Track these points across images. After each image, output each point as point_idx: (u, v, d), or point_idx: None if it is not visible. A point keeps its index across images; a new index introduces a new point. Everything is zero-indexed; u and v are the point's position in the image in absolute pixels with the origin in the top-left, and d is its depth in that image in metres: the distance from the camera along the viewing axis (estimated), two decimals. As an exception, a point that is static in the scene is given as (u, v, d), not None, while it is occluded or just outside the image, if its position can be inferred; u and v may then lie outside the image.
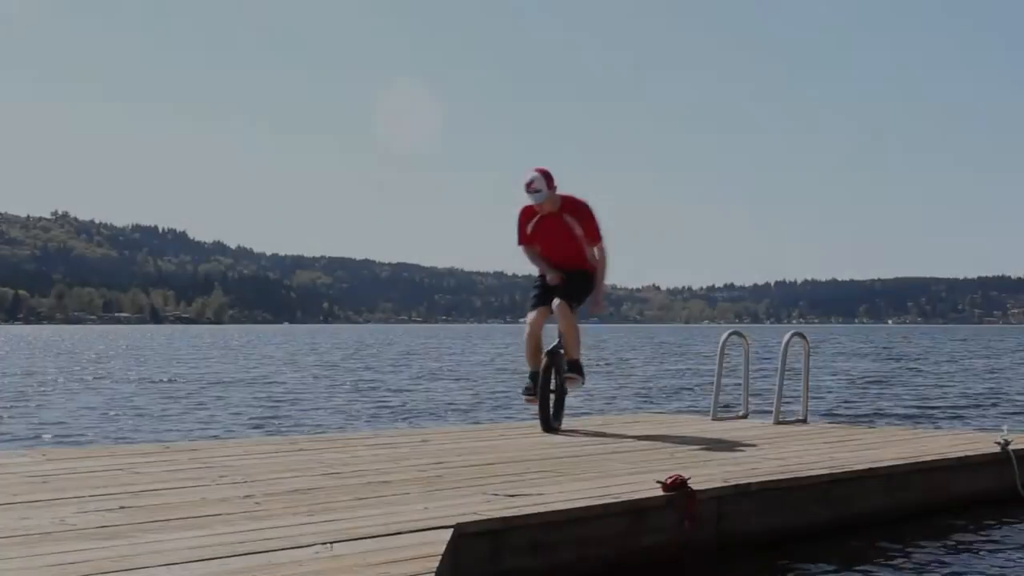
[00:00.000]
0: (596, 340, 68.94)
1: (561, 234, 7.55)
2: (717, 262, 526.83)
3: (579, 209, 7.56)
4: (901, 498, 6.15)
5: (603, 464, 5.91)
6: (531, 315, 7.59)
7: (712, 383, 9.81)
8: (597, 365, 30.38)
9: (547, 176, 7.42)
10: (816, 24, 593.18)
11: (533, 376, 7.57)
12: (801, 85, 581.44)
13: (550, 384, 7.49)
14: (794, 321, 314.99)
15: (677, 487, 4.91)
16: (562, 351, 7.52)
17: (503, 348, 50.95)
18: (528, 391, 7.63)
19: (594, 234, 7.61)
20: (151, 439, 11.10)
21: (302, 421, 13.73)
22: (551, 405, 7.53)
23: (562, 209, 7.52)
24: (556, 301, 7.47)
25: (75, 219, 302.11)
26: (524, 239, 7.69)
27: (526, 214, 7.63)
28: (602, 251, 7.66)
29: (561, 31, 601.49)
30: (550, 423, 7.50)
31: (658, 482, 4.98)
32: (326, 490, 4.94)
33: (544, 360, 7.46)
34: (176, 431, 12.32)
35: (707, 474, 5.48)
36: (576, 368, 7.55)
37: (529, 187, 7.40)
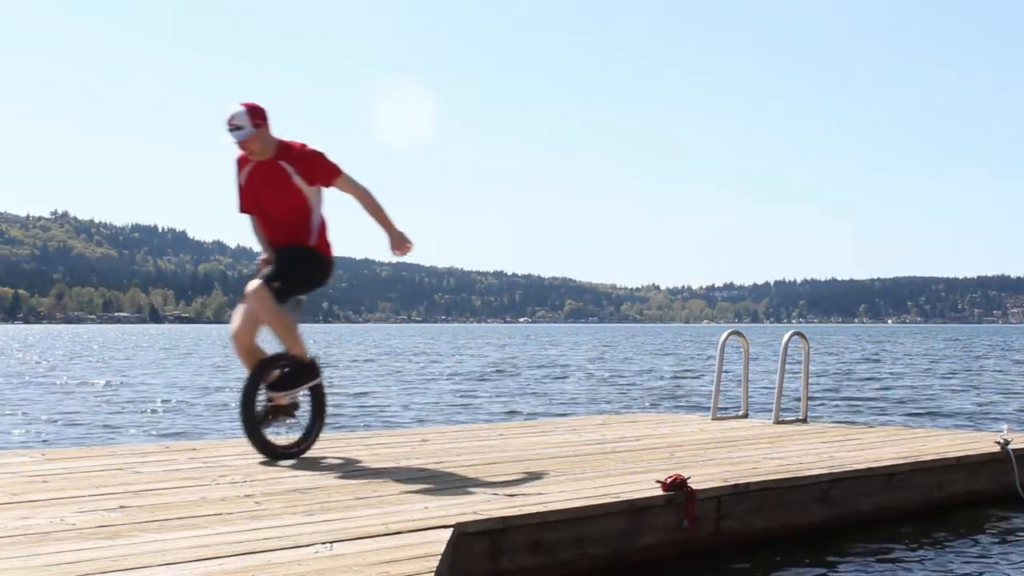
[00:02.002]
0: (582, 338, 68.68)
1: (276, 183, 5.88)
2: (717, 262, 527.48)
3: (296, 152, 5.90)
4: (901, 498, 6.15)
5: (603, 464, 5.90)
6: (237, 313, 5.96)
7: (712, 383, 9.80)
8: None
9: (254, 111, 5.80)
10: (816, 24, 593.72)
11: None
12: (801, 85, 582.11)
13: (254, 399, 5.82)
14: (794, 321, 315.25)
15: (677, 487, 4.91)
16: (284, 363, 5.96)
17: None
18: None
19: (327, 171, 5.90)
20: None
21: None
22: (259, 423, 5.88)
23: (277, 155, 5.89)
24: (251, 284, 5.85)
25: (75, 219, 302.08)
26: (245, 204, 6.06)
27: (240, 166, 6.03)
28: (352, 182, 5.95)
29: (561, 30, 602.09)
30: (268, 445, 5.89)
31: (658, 482, 4.98)
32: (325, 490, 4.94)
33: (254, 368, 5.89)
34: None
35: (707, 474, 5.48)
36: (296, 376, 5.90)
37: (230, 123, 5.78)
